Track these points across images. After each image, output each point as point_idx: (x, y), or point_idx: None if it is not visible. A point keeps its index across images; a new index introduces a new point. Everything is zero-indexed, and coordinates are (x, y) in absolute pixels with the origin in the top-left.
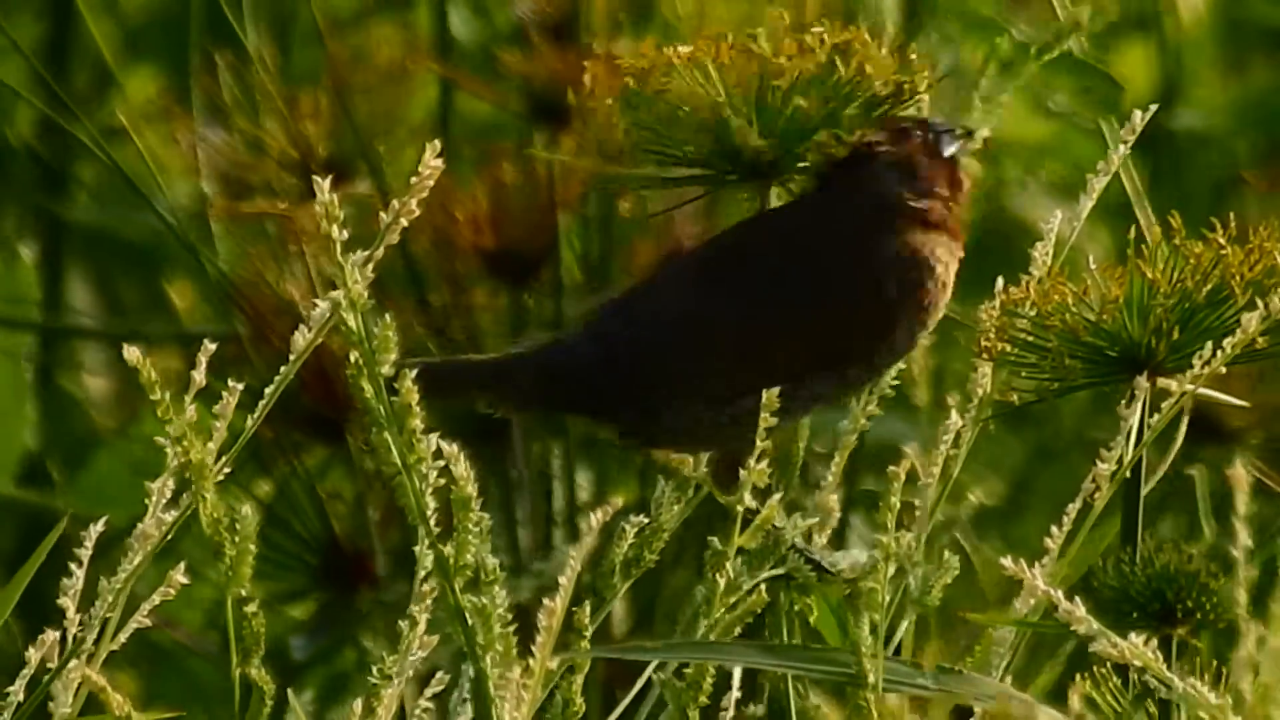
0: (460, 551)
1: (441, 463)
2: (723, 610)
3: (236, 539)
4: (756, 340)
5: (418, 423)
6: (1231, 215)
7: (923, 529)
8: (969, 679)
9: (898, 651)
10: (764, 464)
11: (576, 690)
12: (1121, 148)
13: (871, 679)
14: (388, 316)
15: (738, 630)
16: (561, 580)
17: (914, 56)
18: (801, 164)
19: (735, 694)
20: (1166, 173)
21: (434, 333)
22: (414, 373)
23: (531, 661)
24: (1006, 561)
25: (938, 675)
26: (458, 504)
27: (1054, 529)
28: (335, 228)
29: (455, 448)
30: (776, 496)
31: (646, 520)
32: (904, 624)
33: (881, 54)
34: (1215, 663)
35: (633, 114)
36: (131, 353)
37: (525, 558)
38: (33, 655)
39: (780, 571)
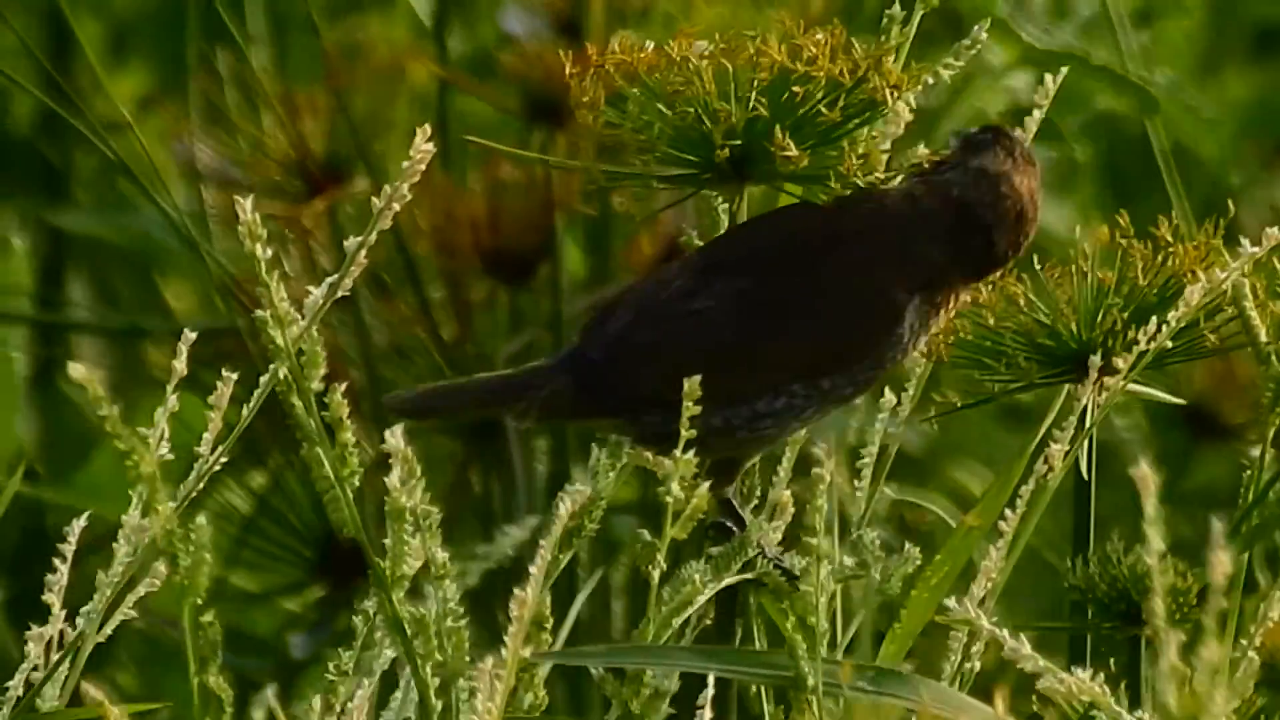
0: (395, 563)
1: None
2: (662, 609)
3: (192, 548)
4: (761, 344)
5: (349, 436)
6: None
7: (865, 507)
8: (910, 681)
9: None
10: (690, 453)
11: (539, 685)
12: (1037, 112)
13: (811, 682)
14: (315, 332)
15: (698, 630)
16: (533, 570)
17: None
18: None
19: (709, 691)
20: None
21: (432, 333)
22: (419, 398)
23: (504, 651)
24: (951, 602)
25: (877, 678)
26: (391, 515)
27: (1008, 511)
28: (259, 246)
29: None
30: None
31: (583, 489)
32: (862, 614)
33: (887, 61)
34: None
35: (627, 110)
36: (77, 370)
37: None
38: (32, 651)
39: (749, 576)
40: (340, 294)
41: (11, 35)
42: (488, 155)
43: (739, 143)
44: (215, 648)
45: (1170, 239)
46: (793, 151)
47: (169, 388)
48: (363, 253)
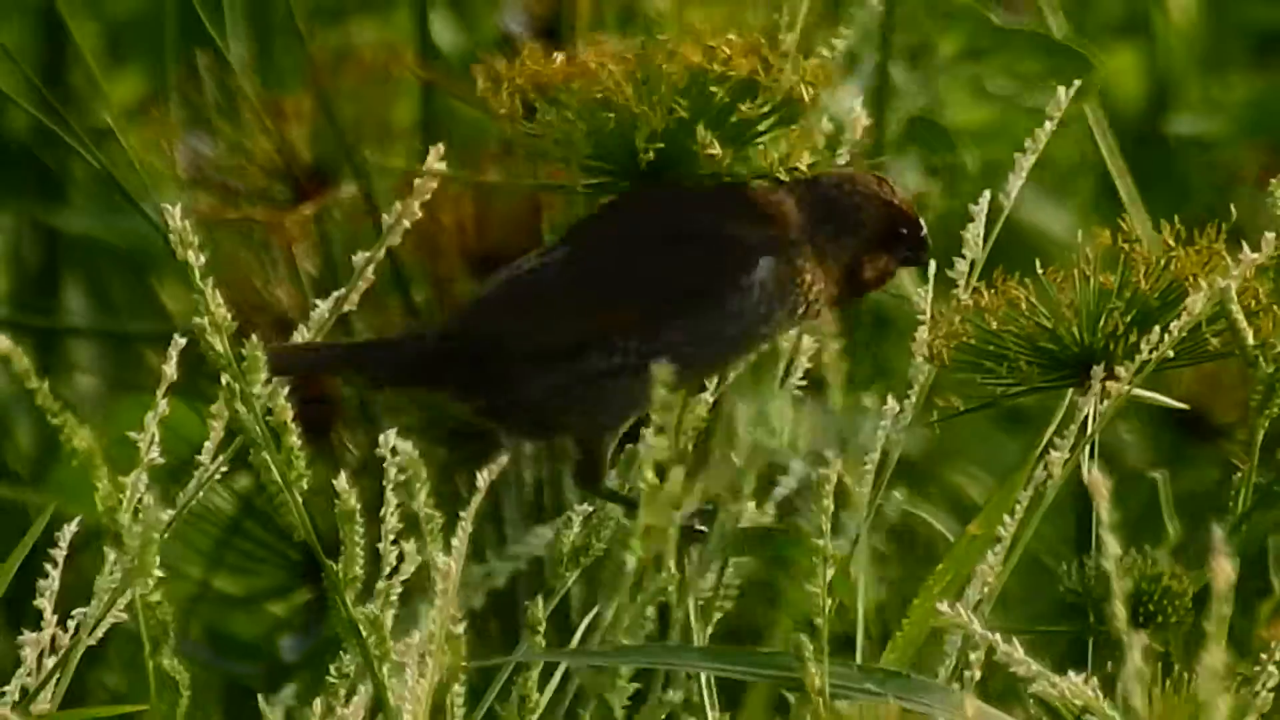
0: (348, 565)
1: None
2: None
3: (139, 528)
4: (591, 286)
5: (295, 440)
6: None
7: (866, 513)
8: (917, 683)
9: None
10: (663, 440)
11: (532, 686)
12: (1049, 124)
13: (817, 684)
14: (254, 337)
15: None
16: (455, 542)
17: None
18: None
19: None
20: (1160, 176)
21: None
22: (273, 354)
23: (432, 627)
24: (943, 606)
25: (885, 680)
26: (341, 518)
27: (1005, 518)
28: (191, 253)
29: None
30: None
31: (592, 509)
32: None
33: (801, 59)
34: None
35: (547, 121)
36: (1, 342)
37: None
38: (29, 655)
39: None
40: (346, 309)
41: (6, 39)
42: (474, 157)
43: (661, 145)
44: (166, 629)
45: (1172, 243)
46: (717, 149)
47: (159, 392)
48: (370, 269)
